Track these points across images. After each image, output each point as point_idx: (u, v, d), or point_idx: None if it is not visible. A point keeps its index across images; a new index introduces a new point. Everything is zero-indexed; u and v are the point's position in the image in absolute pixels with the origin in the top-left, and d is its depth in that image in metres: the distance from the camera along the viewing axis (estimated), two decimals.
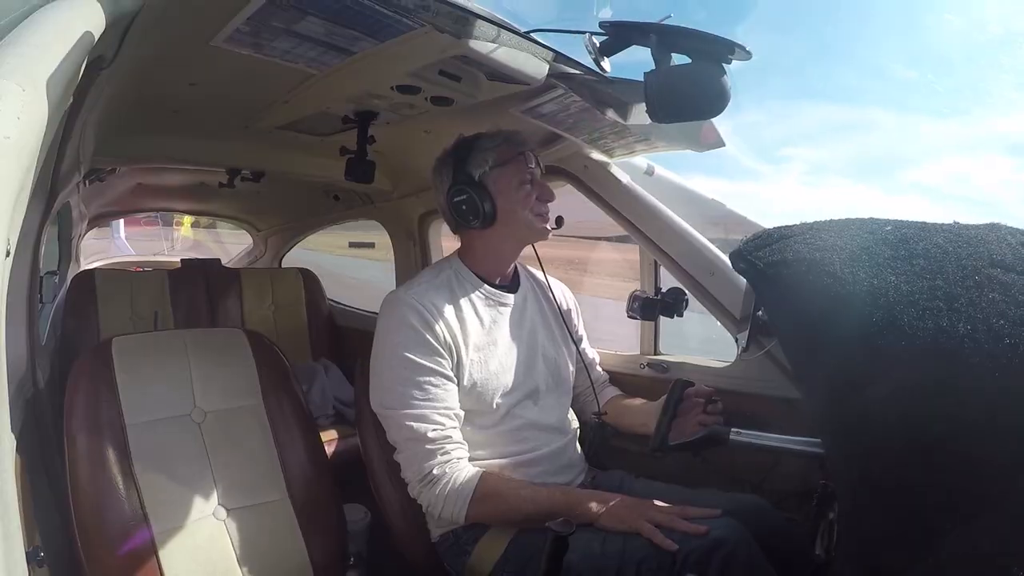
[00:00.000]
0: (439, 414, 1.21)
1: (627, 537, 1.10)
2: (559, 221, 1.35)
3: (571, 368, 1.48)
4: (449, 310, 1.27)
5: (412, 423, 1.19)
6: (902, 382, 0.56)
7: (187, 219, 6.72)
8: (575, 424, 1.45)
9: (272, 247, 3.59)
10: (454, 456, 1.20)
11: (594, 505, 1.17)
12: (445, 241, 2.46)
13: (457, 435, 1.23)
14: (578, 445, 1.44)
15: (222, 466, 1.26)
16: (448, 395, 1.23)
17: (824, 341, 0.63)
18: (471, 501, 1.17)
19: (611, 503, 1.17)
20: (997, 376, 0.52)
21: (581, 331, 1.58)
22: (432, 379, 1.21)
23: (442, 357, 1.23)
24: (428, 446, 1.18)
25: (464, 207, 1.33)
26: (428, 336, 1.22)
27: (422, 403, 1.20)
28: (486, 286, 1.35)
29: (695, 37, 0.89)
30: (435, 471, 1.18)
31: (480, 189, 1.31)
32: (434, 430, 1.19)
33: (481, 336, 1.30)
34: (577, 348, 1.51)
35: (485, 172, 1.31)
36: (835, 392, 0.60)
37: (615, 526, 1.14)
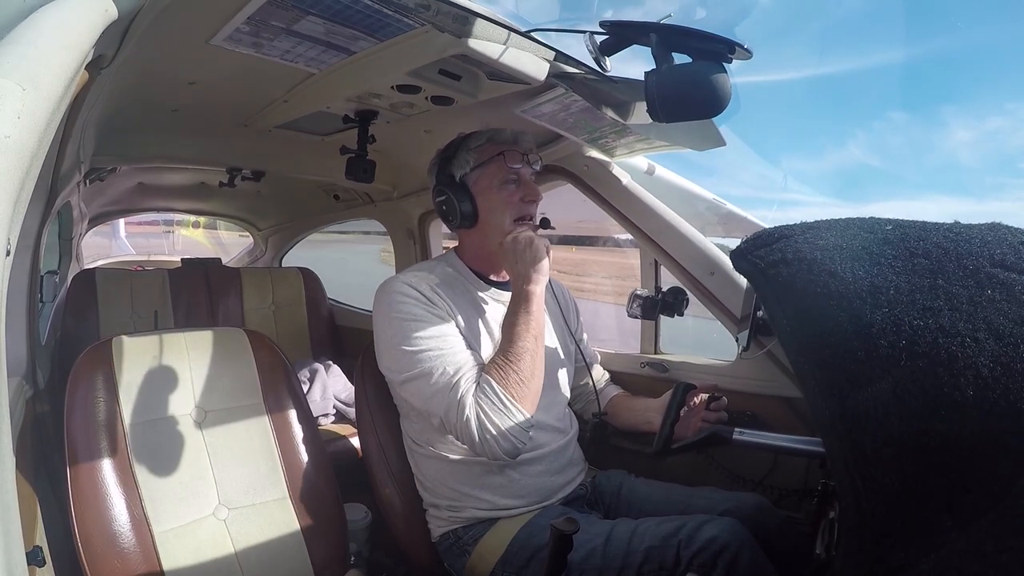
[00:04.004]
0: (458, 358, 1.18)
1: (631, 538, 1.10)
2: (544, 223, 1.33)
3: (571, 367, 1.48)
4: (444, 294, 1.27)
5: (435, 375, 1.16)
6: (903, 381, 0.56)
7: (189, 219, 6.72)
8: (575, 423, 1.45)
9: (273, 246, 3.59)
10: (471, 377, 1.17)
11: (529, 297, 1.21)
12: (446, 241, 2.46)
13: (473, 369, 1.18)
14: (578, 444, 1.44)
15: (222, 466, 1.27)
16: (460, 343, 1.21)
17: (825, 340, 0.63)
18: (504, 392, 1.14)
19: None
20: (998, 375, 0.52)
21: (581, 330, 1.58)
22: (441, 337, 1.20)
23: (444, 322, 1.22)
24: (452, 383, 1.15)
25: (444, 208, 1.34)
26: (427, 307, 1.22)
27: (435, 359, 1.17)
28: (482, 282, 1.36)
29: (695, 36, 0.89)
30: (467, 399, 1.14)
31: (460, 190, 1.31)
32: (454, 370, 1.16)
33: (478, 325, 1.30)
34: (577, 347, 1.51)
35: (466, 173, 1.32)
36: (836, 391, 0.60)
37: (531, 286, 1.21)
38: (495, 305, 1.35)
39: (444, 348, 1.18)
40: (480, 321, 1.31)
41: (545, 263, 1.24)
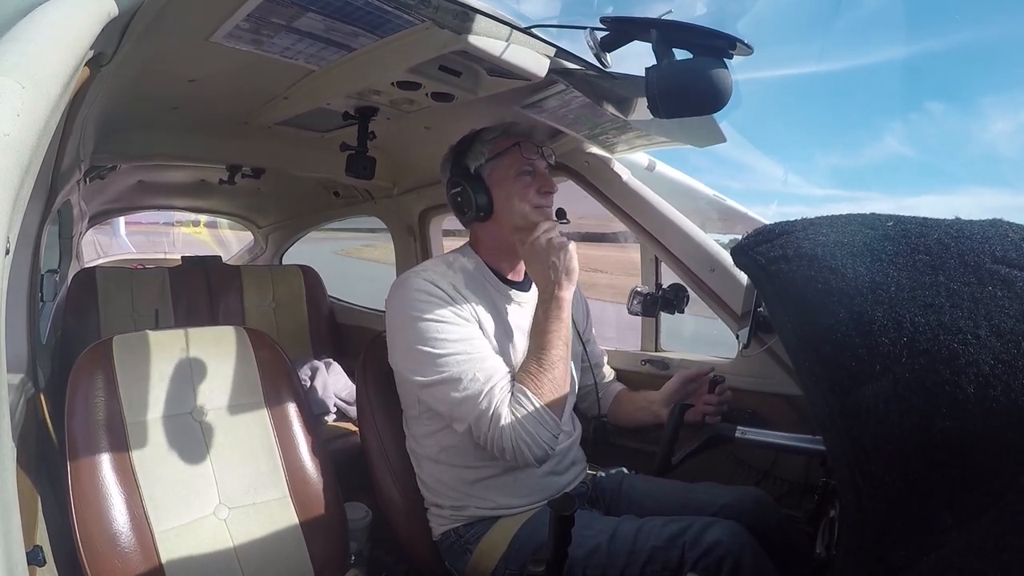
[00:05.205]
0: (487, 364, 1.17)
1: (636, 537, 1.10)
2: (560, 214, 1.32)
3: (577, 368, 1.48)
4: (467, 292, 1.25)
5: (464, 381, 1.13)
6: (904, 378, 0.56)
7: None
8: (579, 423, 1.45)
9: (273, 244, 3.59)
10: (504, 387, 1.16)
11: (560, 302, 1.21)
12: (446, 240, 2.46)
13: (505, 377, 1.17)
14: (580, 444, 1.44)
15: (223, 465, 1.27)
16: (486, 347, 1.19)
17: (825, 337, 0.63)
18: (540, 402, 1.14)
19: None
20: (999, 372, 0.52)
21: (589, 330, 1.57)
22: (468, 340, 1.18)
23: (469, 324, 1.20)
24: (483, 391, 1.13)
25: (459, 199, 1.32)
26: (451, 307, 1.19)
27: (464, 363, 1.15)
28: (501, 282, 1.34)
29: (696, 32, 0.89)
30: (501, 409, 1.12)
31: (475, 181, 1.30)
32: (484, 378, 1.15)
33: (497, 326, 1.27)
34: (584, 349, 1.50)
35: (481, 164, 1.31)
36: (836, 388, 0.60)
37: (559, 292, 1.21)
38: (514, 306, 1.33)
39: (472, 352, 1.16)
40: (501, 321, 1.29)
41: (576, 268, 1.22)
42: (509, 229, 1.30)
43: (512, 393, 1.15)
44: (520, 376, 1.17)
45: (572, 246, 1.23)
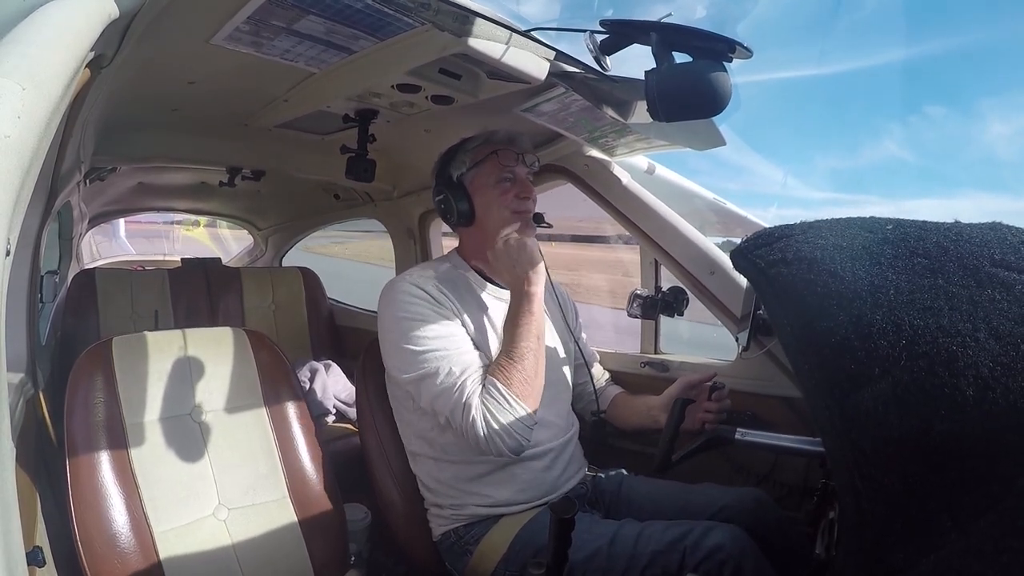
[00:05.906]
0: (464, 358, 1.20)
1: (636, 541, 1.10)
2: (538, 219, 1.34)
3: (571, 365, 1.48)
4: (450, 293, 1.28)
5: (441, 375, 1.17)
6: (903, 381, 0.56)
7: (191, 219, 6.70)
8: (576, 422, 1.45)
9: (273, 246, 3.59)
10: (476, 379, 1.19)
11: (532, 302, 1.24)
12: (445, 240, 2.46)
13: (479, 370, 1.21)
14: (579, 443, 1.44)
15: (222, 466, 1.27)
16: (466, 343, 1.23)
17: (824, 340, 0.63)
18: (509, 391, 1.16)
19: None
20: (998, 375, 0.52)
21: (579, 329, 1.58)
22: (448, 337, 1.22)
23: (450, 322, 1.24)
24: (457, 383, 1.17)
25: (443, 206, 1.36)
26: (433, 307, 1.24)
27: (442, 359, 1.19)
28: (485, 281, 1.37)
29: (696, 35, 0.89)
30: (472, 400, 1.15)
31: (457, 189, 1.34)
32: (460, 371, 1.18)
33: (483, 324, 1.31)
34: (577, 345, 1.51)
35: (463, 173, 1.34)
36: (835, 391, 0.60)
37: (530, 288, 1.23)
38: (497, 304, 1.36)
39: (450, 348, 1.20)
40: (485, 319, 1.32)
41: (541, 263, 1.26)
42: (492, 234, 1.32)
43: (483, 384, 1.18)
44: (491, 369, 1.20)
45: (532, 242, 1.27)
